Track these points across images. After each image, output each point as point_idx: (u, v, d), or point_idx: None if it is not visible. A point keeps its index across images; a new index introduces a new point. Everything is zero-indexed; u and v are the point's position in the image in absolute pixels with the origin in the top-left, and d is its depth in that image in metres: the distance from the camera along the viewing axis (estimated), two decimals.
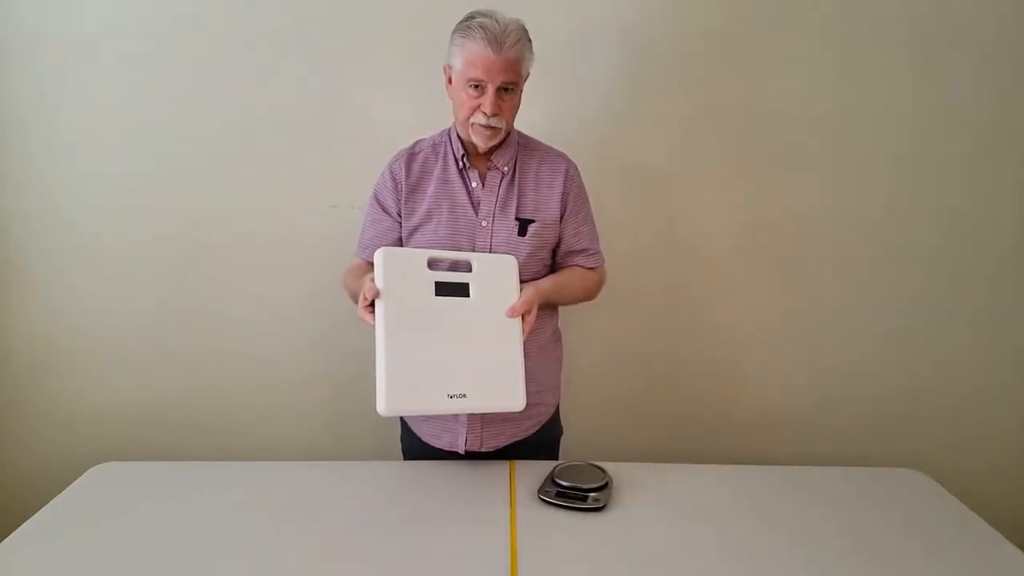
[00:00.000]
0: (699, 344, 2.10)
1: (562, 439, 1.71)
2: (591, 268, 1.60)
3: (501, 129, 1.43)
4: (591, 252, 1.59)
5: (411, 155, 1.54)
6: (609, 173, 1.95)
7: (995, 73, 1.94)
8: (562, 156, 1.57)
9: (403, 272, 1.32)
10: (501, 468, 1.51)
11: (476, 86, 1.38)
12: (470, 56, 1.37)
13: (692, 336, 2.10)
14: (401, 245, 1.51)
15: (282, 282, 2.02)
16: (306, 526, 1.28)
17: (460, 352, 1.33)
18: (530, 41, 1.42)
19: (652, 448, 2.13)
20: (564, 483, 1.38)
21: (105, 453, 1.72)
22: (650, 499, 1.41)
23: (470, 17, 1.39)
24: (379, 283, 1.29)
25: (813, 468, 1.59)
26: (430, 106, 1.94)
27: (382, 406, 1.23)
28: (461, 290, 1.37)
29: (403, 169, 1.51)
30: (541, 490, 1.39)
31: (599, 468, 1.44)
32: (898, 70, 1.94)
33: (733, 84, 1.95)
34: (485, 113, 1.39)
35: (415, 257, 1.36)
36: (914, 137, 1.97)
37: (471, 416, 1.52)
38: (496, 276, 1.41)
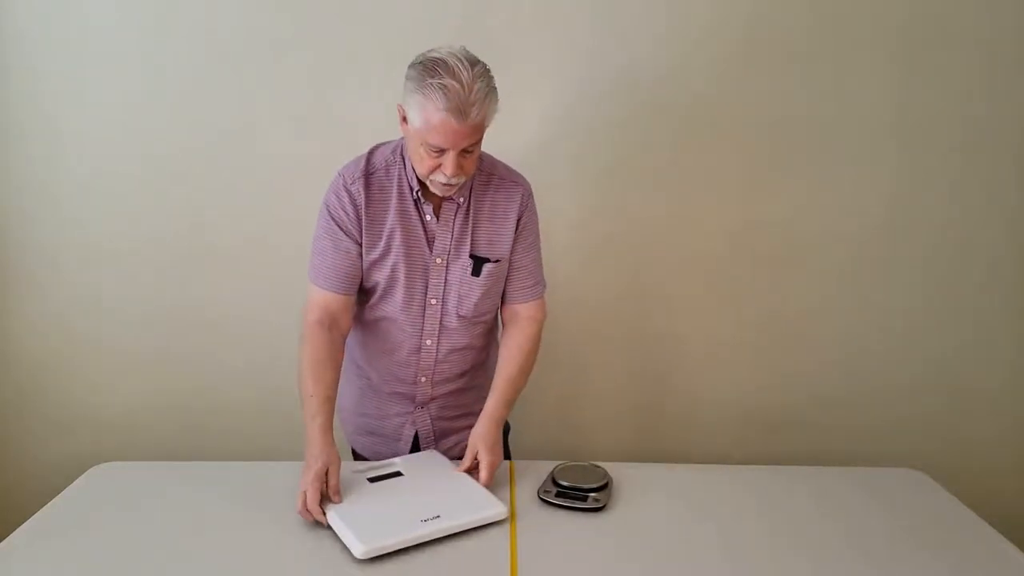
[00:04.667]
0: (699, 344, 2.10)
1: (510, 435, 1.69)
2: (532, 305, 1.53)
3: (462, 183, 1.36)
4: (533, 282, 1.53)
5: (367, 175, 1.42)
6: (598, 173, 1.95)
7: (987, 73, 1.94)
8: (517, 182, 1.49)
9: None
10: (501, 468, 1.51)
11: (436, 150, 1.28)
12: (430, 120, 1.24)
13: (692, 336, 2.10)
14: (360, 274, 1.44)
15: (282, 282, 2.01)
16: (306, 526, 1.28)
17: (415, 497, 1.32)
18: (495, 87, 1.29)
19: (651, 448, 2.12)
20: (564, 483, 1.38)
21: (105, 453, 1.72)
22: (650, 499, 1.41)
23: (430, 71, 1.23)
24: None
25: (813, 468, 1.59)
26: None
27: (359, 551, 1.16)
28: (393, 476, 1.40)
29: (362, 194, 1.40)
30: (541, 490, 1.39)
31: (599, 468, 1.44)
32: (889, 71, 1.94)
33: (729, 86, 1.94)
34: (445, 174, 1.30)
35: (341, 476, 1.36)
36: (911, 138, 1.97)
37: (423, 434, 1.55)
38: (424, 461, 1.48)
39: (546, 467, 1.47)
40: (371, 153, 1.46)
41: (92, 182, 1.96)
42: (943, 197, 2.01)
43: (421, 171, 1.34)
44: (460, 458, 1.48)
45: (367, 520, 1.23)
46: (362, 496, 1.32)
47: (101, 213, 1.97)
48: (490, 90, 1.27)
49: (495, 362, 1.57)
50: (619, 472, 1.48)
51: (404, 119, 1.32)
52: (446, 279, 1.45)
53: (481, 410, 1.48)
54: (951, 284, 2.06)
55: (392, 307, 1.46)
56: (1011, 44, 1.92)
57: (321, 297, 1.43)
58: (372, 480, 1.38)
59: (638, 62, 1.92)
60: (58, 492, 1.41)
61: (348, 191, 1.41)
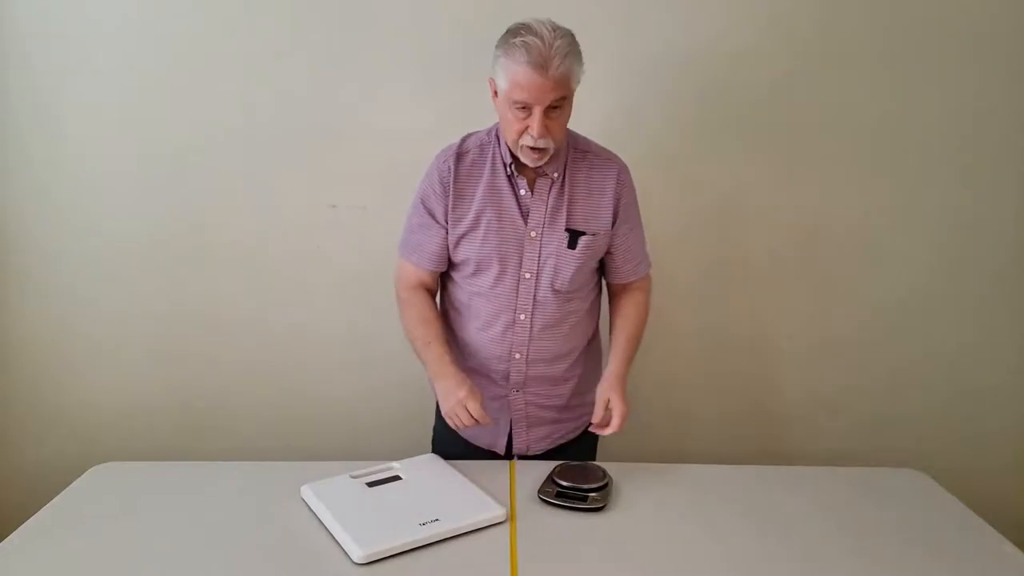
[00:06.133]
0: (698, 344, 2.10)
1: (599, 440, 1.71)
2: (640, 280, 1.59)
3: (549, 150, 1.37)
4: (639, 260, 1.57)
5: (459, 155, 1.48)
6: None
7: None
8: (613, 159, 1.52)
9: (332, 490, 1.36)
10: (501, 468, 1.51)
11: (522, 107, 1.32)
12: (515, 78, 1.30)
13: (691, 335, 2.10)
14: (447, 253, 1.50)
15: (281, 282, 2.02)
16: (306, 525, 1.28)
17: (413, 500, 1.33)
18: (579, 50, 1.34)
19: (651, 448, 2.12)
20: (564, 483, 1.38)
21: (105, 453, 1.72)
22: (650, 499, 1.41)
23: (514, 33, 1.31)
24: (317, 511, 1.30)
25: (813, 468, 1.59)
26: (429, 106, 1.94)
27: (357, 555, 1.16)
28: (392, 480, 1.42)
29: (451, 171, 1.46)
30: (541, 490, 1.39)
31: (599, 468, 1.44)
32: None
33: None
34: (532, 136, 1.33)
35: (340, 480, 1.40)
36: (908, 141, 1.97)
37: (516, 418, 1.55)
38: (423, 464, 1.49)
39: (546, 467, 1.46)
40: (465, 137, 1.52)
41: (92, 182, 1.95)
42: (941, 197, 2.00)
43: (510, 137, 1.37)
44: (549, 452, 1.57)
45: (366, 524, 1.23)
46: (361, 500, 1.33)
47: (101, 213, 1.97)
48: (572, 49, 1.31)
49: (593, 358, 1.61)
50: (619, 472, 1.48)
51: (495, 93, 1.38)
52: (540, 252, 1.46)
53: (576, 405, 1.58)
54: (951, 284, 2.05)
55: (485, 282, 1.48)
56: None
57: (410, 269, 1.54)
58: (371, 484, 1.38)
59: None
60: (58, 492, 1.41)
61: (438, 171, 1.48)
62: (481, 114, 1.90)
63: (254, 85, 1.92)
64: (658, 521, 1.33)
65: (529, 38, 1.28)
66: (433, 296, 1.57)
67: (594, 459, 1.66)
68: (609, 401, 1.46)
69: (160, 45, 1.89)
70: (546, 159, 1.40)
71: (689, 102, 1.95)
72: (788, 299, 2.06)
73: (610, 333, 1.59)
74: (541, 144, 1.34)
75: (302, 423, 2.11)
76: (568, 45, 1.30)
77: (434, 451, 1.64)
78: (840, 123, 1.96)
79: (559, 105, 1.33)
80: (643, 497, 1.41)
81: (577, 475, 1.41)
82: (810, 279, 2.05)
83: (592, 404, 1.56)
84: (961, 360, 2.10)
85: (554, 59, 1.27)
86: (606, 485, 1.39)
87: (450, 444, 1.60)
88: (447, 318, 1.59)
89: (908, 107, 1.95)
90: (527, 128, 1.33)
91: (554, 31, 1.29)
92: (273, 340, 2.05)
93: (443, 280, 1.59)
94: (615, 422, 1.44)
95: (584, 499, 1.35)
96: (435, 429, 1.69)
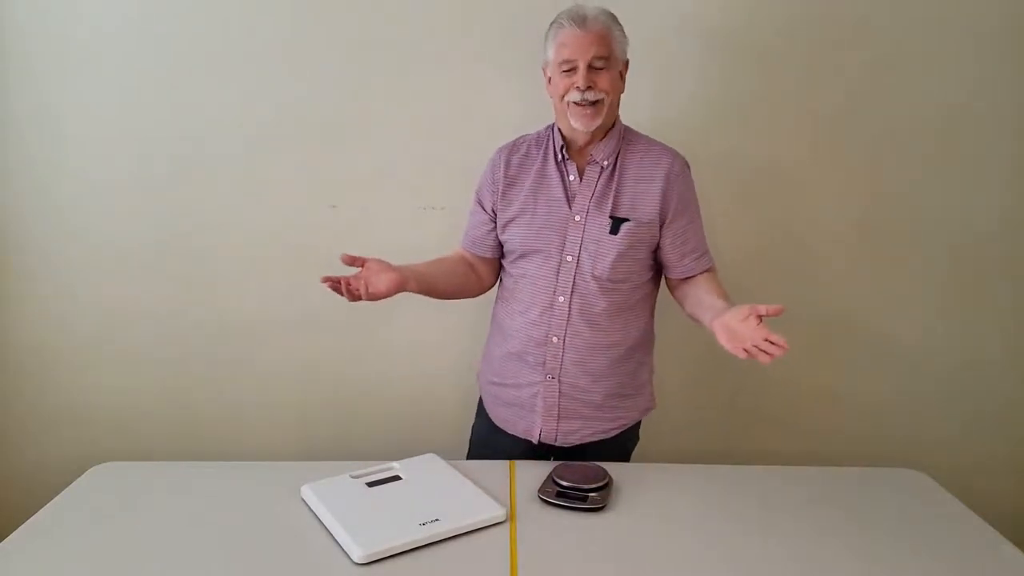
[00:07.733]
0: (697, 343, 2.10)
1: (635, 449, 1.71)
2: (708, 270, 1.56)
3: (600, 103, 1.41)
4: (699, 254, 1.55)
5: (513, 148, 1.57)
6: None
7: None
8: (668, 151, 1.52)
9: (332, 490, 1.36)
10: (501, 468, 1.51)
11: (569, 69, 1.40)
12: (559, 41, 1.41)
13: (689, 335, 2.09)
14: (496, 239, 1.58)
15: (282, 282, 2.02)
16: (306, 525, 1.28)
17: (413, 500, 1.34)
18: (620, 26, 1.44)
19: (651, 448, 2.12)
20: (564, 483, 1.38)
21: (105, 453, 1.72)
22: (650, 499, 1.41)
23: (557, 15, 1.45)
24: (317, 511, 1.31)
25: (813, 468, 1.59)
26: (429, 106, 1.94)
27: (357, 555, 1.16)
28: (392, 480, 1.42)
29: (503, 162, 1.55)
30: (541, 490, 1.39)
31: (599, 468, 1.44)
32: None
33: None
34: (579, 88, 1.39)
35: (340, 480, 1.41)
36: (906, 140, 1.97)
37: (547, 406, 1.54)
38: (422, 464, 1.50)
39: (546, 467, 1.47)
40: (527, 134, 1.60)
41: (92, 183, 1.95)
42: (943, 196, 2.00)
43: (559, 99, 1.44)
44: (578, 448, 1.56)
45: (366, 524, 1.24)
46: (361, 500, 1.33)
47: (101, 213, 1.97)
48: (611, 17, 1.43)
49: (639, 363, 1.59)
50: (619, 472, 1.48)
51: (549, 80, 1.48)
52: (583, 236, 1.48)
53: (612, 406, 1.56)
54: (951, 284, 2.05)
55: (530, 265, 1.52)
56: None
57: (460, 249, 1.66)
58: (371, 484, 1.39)
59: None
60: (58, 492, 1.41)
61: (492, 163, 1.58)
62: (482, 113, 1.91)
63: (254, 85, 1.92)
64: (658, 521, 1.33)
65: (570, 9, 1.43)
66: (470, 268, 1.62)
67: (627, 461, 1.67)
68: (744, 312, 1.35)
69: (160, 45, 1.90)
70: (598, 118, 1.42)
71: (686, 94, 1.96)
72: (787, 299, 2.06)
73: (690, 311, 1.52)
74: (589, 96, 1.39)
75: (302, 423, 2.11)
76: (607, 14, 1.43)
77: (471, 443, 1.69)
78: (839, 121, 1.96)
79: (602, 66, 1.40)
80: (643, 497, 1.41)
81: (577, 475, 1.41)
82: (806, 280, 2.05)
83: (628, 409, 1.59)
84: (961, 359, 2.09)
85: (590, 16, 1.40)
86: (606, 485, 1.39)
87: (484, 430, 1.66)
88: (498, 312, 1.64)
89: (907, 107, 1.95)
90: (574, 83, 1.39)
91: (594, 7, 1.43)
92: (273, 340, 2.05)
93: (501, 277, 1.65)
94: (770, 307, 1.36)
95: (584, 499, 1.35)
96: (474, 429, 1.73)
